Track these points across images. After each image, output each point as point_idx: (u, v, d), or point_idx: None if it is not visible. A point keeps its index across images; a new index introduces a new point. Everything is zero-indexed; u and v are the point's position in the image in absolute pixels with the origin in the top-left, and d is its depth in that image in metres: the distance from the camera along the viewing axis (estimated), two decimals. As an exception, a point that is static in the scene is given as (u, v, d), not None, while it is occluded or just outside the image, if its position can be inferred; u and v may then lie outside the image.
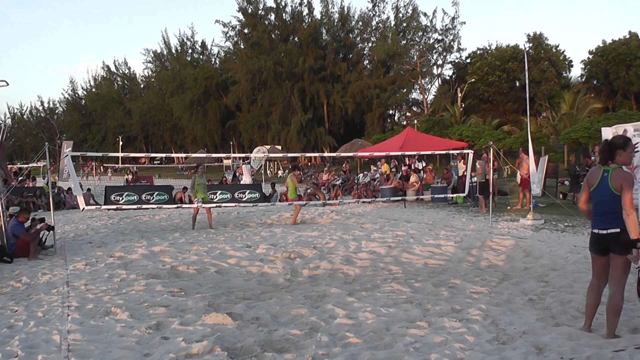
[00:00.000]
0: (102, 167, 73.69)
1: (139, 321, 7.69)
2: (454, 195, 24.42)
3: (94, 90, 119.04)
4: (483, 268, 11.30)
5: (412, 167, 30.40)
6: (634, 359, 6.00)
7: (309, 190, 29.12)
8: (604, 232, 6.54)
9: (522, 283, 9.68)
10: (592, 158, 24.21)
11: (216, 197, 26.64)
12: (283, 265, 11.71)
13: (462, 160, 26.94)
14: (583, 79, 67.58)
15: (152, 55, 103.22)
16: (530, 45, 65.80)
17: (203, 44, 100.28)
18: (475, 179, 21.68)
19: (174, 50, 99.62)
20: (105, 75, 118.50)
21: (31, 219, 14.77)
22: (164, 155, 28.83)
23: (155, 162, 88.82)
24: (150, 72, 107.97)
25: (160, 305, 8.48)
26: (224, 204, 24.47)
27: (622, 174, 6.48)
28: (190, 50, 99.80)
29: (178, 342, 6.62)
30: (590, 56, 65.04)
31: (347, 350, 6.44)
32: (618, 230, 6.42)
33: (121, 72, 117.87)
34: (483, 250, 13.13)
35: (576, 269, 10.62)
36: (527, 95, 19.56)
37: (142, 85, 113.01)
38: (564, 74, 68.94)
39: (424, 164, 34.11)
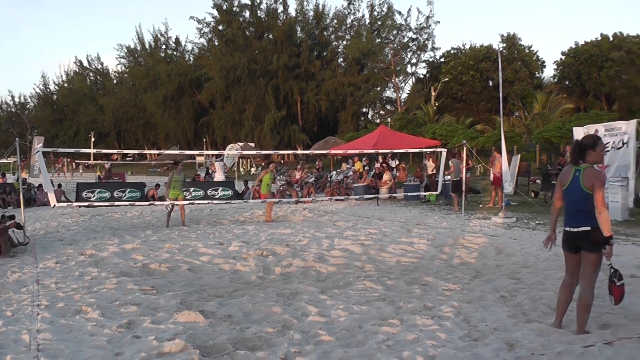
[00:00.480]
0: (74, 163, 72.99)
1: (110, 320, 7.60)
2: (427, 193, 24.51)
3: (66, 85, 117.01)
4: (455, 265, 11.35)
5: (386, 165, 30.46)
6: (603, 354, 6.07)
7: (281, 188, 29.09)
8: (576, 230, 6.64)
9: (494, 280, 9.75)
10: (565, 157, 24.45)
11: (189, 194, 26.51)
12: (256, 263, 11.66)
13: (431, 159, 27.11)
14: (555, 80, 68.24)
15: (126, 50, 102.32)
16: (504, 45, 66.24)
17: (177, 40, 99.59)
18: (449, 177, 21.79)
19: (147, 46, 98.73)
20: (77, 70, 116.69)
21: (1, 216, 14.58)
22: (136, 151, 28.61)
23: (127, 158, 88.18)
24: (123, 68, 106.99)
25: (131, 303, 8.40)
26: (196, 201, 24.33)
27: (594, 173, 6.59)
28: (164, 46, 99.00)
29: (149, 340, 6.55)
30: (563, 57, 65.69)
31: (320, 348, 6.43)
32: (589, 228, 6.52)
33: (94, 67, 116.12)
34: (455, 248, 13.19)
35: (547, 267, 10.71)
36: (501, 94, 19.68)
37: (115, 81, 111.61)
38: (537, 75, 69.52)
39: (397, 162, 34.20)
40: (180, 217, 19.12)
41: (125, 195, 26.27)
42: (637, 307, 7.89)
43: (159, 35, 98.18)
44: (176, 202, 18.61)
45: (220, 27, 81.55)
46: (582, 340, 6.50)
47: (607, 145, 20.39)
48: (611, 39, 62.39)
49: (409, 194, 25.39)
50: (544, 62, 70.28)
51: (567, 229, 6.75)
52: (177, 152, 23.37)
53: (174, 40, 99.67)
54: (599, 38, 63.03)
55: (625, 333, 6.76)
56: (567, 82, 66.39)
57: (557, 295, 7.20)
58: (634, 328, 6.98)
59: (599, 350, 6.16)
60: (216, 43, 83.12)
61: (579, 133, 22.15)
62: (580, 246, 6.68)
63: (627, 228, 15.28)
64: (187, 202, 21.19)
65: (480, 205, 21.94)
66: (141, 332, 7.04)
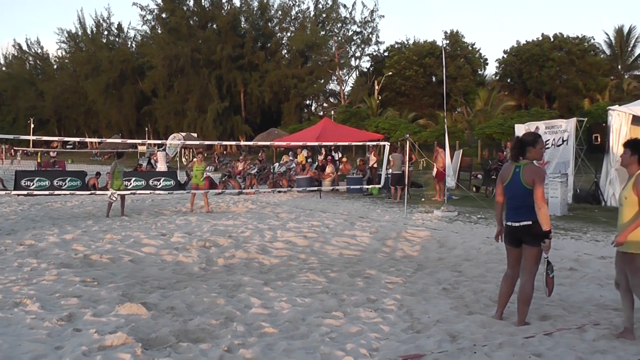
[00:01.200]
0: (12, 150, 71.19)
1: (50, 312, 7.36)
2: (370, 186, 24.63)
3: (4, 69, 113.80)
4: (398, 258, 11.41)
5: (330, 158, 30.51)
6: (543, 344, 6.19)
7: (223, 179, 28.90)
8: (517, 224, 6.76)
9: (436, 273, 9.83)
10: (505, 153, 24.84)
11: (130, 184, 26.11)
12: (198, 254, 11.53)
13: (373, 153, 27.27)
14: (497, 77, 69.46)
15: (67, 35, 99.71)
16: (447, 42, 67.03)
17: (119, 27, 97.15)
18: (391, 170, 21.95)
19: (89, 31, 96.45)
20: (16, 54, 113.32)
21: None
22: (77, 139, 28.00)
23: (68, 146, 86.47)
24: (64, 53, 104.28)
25: (72, 295, 8.16)
26: (138, 191, 24.01)
27: (534, 169, 6.73)
28: (106, 32, 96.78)
29: (91, 333, 6.38)
30: (505, 56, 66.87)
31: (263, 340, 6.38)
32: (530, 222, 6.64)
33: (33, 51, 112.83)
34: (398, 241, 13.27)
35: (489, 259, 10.86)
36: (445, 90, 19.89)
37: (55, 66, 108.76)
38: (480, 72, 70.62)
39: (340, 155, 34.29)
40: (119, 207, 18.81)
41: (65, 184, 25.72)
42: (576, 299, 8.08)
43: (101, 21, 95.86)
44: (119, 192, 18.32)
45: (163, 15, 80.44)
46: (522, 331, 6.61)
47: (547, 143, 20.81)
48: (552, 39, 63.68)
49: (351, 186, 25.49)
50: (486, 59, 71.48)
51: (509, 223, 6.85)
52: (118, 140, 22.89)
53: (116, 26, 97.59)
54: (540, 38, 64.33)
55: (564, 324, 6.93)
56: (508, 80, 67.63)
57: (498, 287, 7.30)
58: (572, 319, 7.15)
59: (539, 341, 6.29)
60: (159, 31, 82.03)
61: (520, 130, 22.54)
62: (521, 240, 6.78)
63: (566, 223, 15.60)
64: (128, 192, 20.89)
65: (423, 199, 22.13)
66: (82, 325, 6.84)
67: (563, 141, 20.34)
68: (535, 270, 6.79)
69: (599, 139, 18.97)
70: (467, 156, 29.08)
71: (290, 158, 36.08)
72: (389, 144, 21.29)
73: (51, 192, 23.02)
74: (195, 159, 21.08)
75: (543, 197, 6.57)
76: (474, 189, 24.09)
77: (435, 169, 21.95)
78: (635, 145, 6.44)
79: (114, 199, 18.34)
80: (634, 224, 6.23)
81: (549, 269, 6.83)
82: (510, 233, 6.90)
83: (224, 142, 43.27)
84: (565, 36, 63.59)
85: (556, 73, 62.13)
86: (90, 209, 20.58)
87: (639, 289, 6.35)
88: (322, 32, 77.59)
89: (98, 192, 21.77)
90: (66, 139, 36.20)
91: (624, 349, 6.10)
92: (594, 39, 64.78)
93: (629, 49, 63.54)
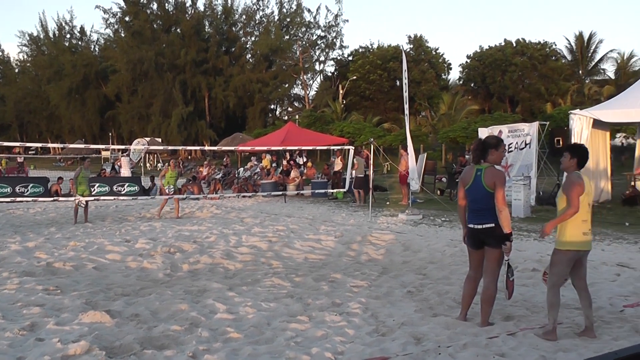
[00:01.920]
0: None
1: (12, 322, 7.23)
2: (334, 190, 24.66)
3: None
4: (363, 262, 11.44)
5: (294, 162, 30.50)
6: (506, 344, 6.28)
7: (185, 184, 28.74)
8: (480, 226, 6.85)
9: (401, 276, 9.87)
10: (467, 157, 25.05)
11: (94, 190, 25.80)
12: (163, 260, 11.46)
13: (340, 157, 27.33)
14: (461, 82, 70.03)
15: (28, 38, 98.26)
16: (411, 46, 67.43)
17: (82, 30, 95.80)
18: (354, 174, 22.00)
19: (51, 35, 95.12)
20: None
21: None
22: (39, 145, 27.50)
23: (30, 152, 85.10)
24: (25, 57, 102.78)
25: (34, 304, 8.02)
26: (102, 197, 23.75)
27: (495, 172, 6.82)
28: (68, 35, 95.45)
29: (54, 343, 6.28)
30: (468, 60, 67.50)
31: (228, 346, 6.37)
32: (492, 225, 6.75)
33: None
34: (363, 244, 13.30)
35: (453, 262, 10.94)
36: (407, 93, 19.96)
37: (16, 70, 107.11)
38: (443, 76, 71.15)
39: (305, 159, 34.27)
40: (82, 214, 18.59)
41: (27, 190, 25.32)
42: (538, 299, 8.16)
43: (63, 24, 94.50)
44: (83, 198, 18.12)
45: (127, 19, 79.65)
46: (486, 332, 6.70)
47: (510, 146, 21.02)
48: (514, 44, 64.43)
49: (316, 191, 25.50)
50: (450, 64, 72.13)
51: (471, 225, 6.95)
52: (82, 146, 22.61)
53: (79, 29, 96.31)
54: (503, 43, 65.05)
55: (527, 324, 7.03)
56: (472, 85, 68.28)
57: (462, 289, 7.35)
58: (535, 319, 7.25)
59: (502, 341, 6.38)
60: (123, 35, 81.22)
61: (483, 133, 22.70)
62: (484, 242, 6.88)
63: (529, 224, 15.75)
64: (92, 198, 20.66)
65: (388, 203, 22.21)
66: (45, 334, 6.74)
67: (526, 144, 20.54)
68: (497, 271, 6.88)
69: (561, 142, 19.22)
70: (432, 159, 29.23)
71: (255, 162, 36.00)
72: (352, 147, 21.31)
73: (13, 199, 22.65)
74: (168, 165, 20.85)
75: (504, 200, 6.69)
76: (438, 192, 24.21)
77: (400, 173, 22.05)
78: (574, 149, 6.74)
79: (82, 204, 18.15)
80: (558, 218, 6.64)
81: (509, 272, 6.97)
82: (472, 235, 6.98)
83: (189, 147, 43.11)
84: (527, 42, 64.38)
85: (519, 78, 62.88)
86: (53, 215, 20.35)
87: (551, 280, 6.67)
88: (287, 37, 77.58)
89: (61, 199, 21.49)
90: (28, 144, 35.59)
91: (586, 347, 6.21)
92: (555, 45, 65.76)
93: (590, 54, 64.52)
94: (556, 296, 6.61)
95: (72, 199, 18.22)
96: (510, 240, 6.67)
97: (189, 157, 70.52)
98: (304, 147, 26.66)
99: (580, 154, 6.69)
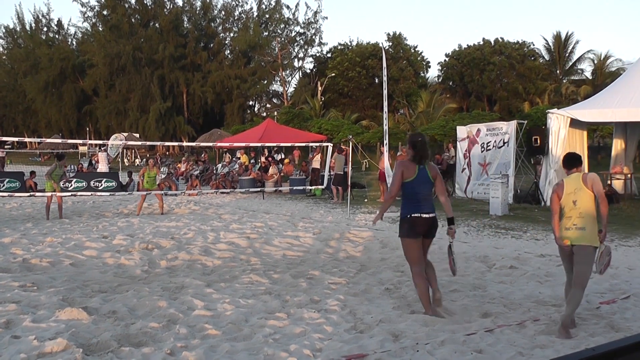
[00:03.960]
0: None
1: (-13, 320, 7.17)
2: (313, 187, 24.65)
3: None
4: (341, 259, 11.46)
5: (272, 158, 30.47)
6: (484, 340, 6.34)
7: (161, 180, 28.59)
8: (430, 215, 7.35)
9: (379, 273, 9.90)
10: (445, 155, 25.17)
11: (71, 185, 25.59)
12: (140, 257, 11.40)
13: (320, 154, 27.34)
14: (440, 80, 70.31)
15: (4, 30, 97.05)
16: (390, 44, 67.58)
17: (59, 23, 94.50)
18: (333, 171, 22.03)
19: (28, 27, 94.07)
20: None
21: None
22: (16, 139, 27.29)
23: (6, 146, 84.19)
24: (1, 49, 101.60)
25: (10, 301, 7.91)
26: (79, 193, 23.55)
27: (433, 165, 7.63)
28: (45, 29, 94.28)
29: (30, 340, 6.22)
30: (447, 59, 67.73)
31: (206, 342, 6.36)
32: (435, 214, 7.41)
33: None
34: (341, 241, 13.31)
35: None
36: (385, 90, 20.00)
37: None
38: (422, 74, 71.32)
39: (283, 156, 34.23)
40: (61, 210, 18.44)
41: (3, 185, 25.05)
42: (516, 296, 8.24)
43: (40, 16, 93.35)
44: (59, 194, 17.98)
45: (104, 12, 78.99)
46: (464, 329, 6.73)
47: (488, 145, 21.14)
48: (493, 44, 64.75)
49: (294, 187, 25.47)
50: (428, 62, 72.26)
51: (424, 215, 7.31)
52: (59, 140, 22.34)
53: (56, 22, 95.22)
54: (482, 42, 65.38)
55: (504, 320, 7.09)
56: (450, 83, 68.57)
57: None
58: (513, 316, 7.33)
59: (480, 338, 6.44)
60: (100, 29, 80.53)
61: (462, 132, 22.84)
62: (429, 231, 7.39)
63: (507, 222, 15.85)
64: (69, 193, 20.52)
65: (366, 200, 22.23)
66: (21, 331, 6.67)
67: (504, 143, 20.67)
68: None
69: (538, 141, 19.31)
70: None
71: (234, 159, 35.91)
72: (332, 144, 21.33)
73: (-12, 194, 22.43)
74: (146, 165, 20.70)
75: (445, 188, 7.62)
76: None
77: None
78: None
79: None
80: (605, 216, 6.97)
81: (451, 252, 7.65)
82: (424, 224, 7.31)
83: (167, 143, 42.82)
84: (505, 41, 64.75)
85: (497, 77, 63.24)
86: (29, 211, 20.16)
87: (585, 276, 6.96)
88: (265, 33, 77.38)
89: (38, 194, 21.30)
90: (4, 138, 35.13)
91: (562, 343, 6.27)
92: (533, 45, 66.10)
93: (567, 54, 64.97)
94: (565, 289, 7.26)
95: (49, 194, 18.06)
96: (454, 223, 7.46)
97: (167, 152, 70.22)
98: (282, 144, 26.57)
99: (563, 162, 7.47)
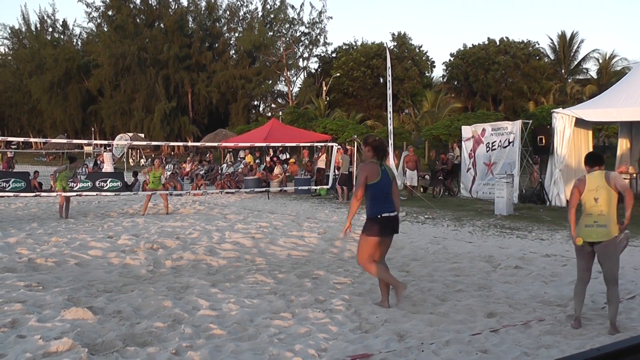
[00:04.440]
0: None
1: (-7, 319, 7.17)
2: (318, 187, 24.65)
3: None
4: (346, 259, 11.45)
5: (277, 158, 30.49)
6: (489, 340, 6.33)
7: (166, 180, 28.61)
8: (395, 214, 7.73)
9: (384, 273, 9.87)
10: (450, 155, 25.15)
11: (76, 185, 25.62)
12: (145, 256, 11.41)
13: (325, 154, 27.33)
14: (444, 80, 70.14)
15: (9, 31, 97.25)
16: (395, 44, 67.48)
17: (64, 23, 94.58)
18: (340, 170, 22.03)
19: (33, 28, 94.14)
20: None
21: None
22: (21, 139, 27.34)
23: (12, 146, 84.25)
24: (7, 50, 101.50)
25: (16, 301, 7.91)
26: (84, 193, 23.58)
27: (389, 167, 8.05)
28: (50, 29, 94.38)
29: (35, 340, 6.22)
30: (452, 58, 67.59)
31: (211, 342, 6.36)
32: (397, 213, 7.77)
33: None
34: (346, 241, 13.28)
35: (436, 259, 10.97)
36: (390, 90, 19.97)
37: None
38: (427, 74, 71.19)
39: (287, 156, 34.23)
40: (66, 209, 18.44)
41: (9, 185, 25.09)
42: (521, 296, 8.22)
43: (45, 17, 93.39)
44: (64, 194, 18.00)
45: (109, 13, 79.06)
46: (470, 329, 6.73)
47: (493, 144, 21.13)
48: (498, 43, 64.63)
49: (299, 187, 25.47)
50: (433, 62, 72.10)
51: (392, 214, 7.69)
52: (64, 140, 22.30)
53: (61, 23, 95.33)
54: (486, 42, 65.20)
55: (509, 320, 7.08)
56: (455, 83, 68.44)
57: (445, 286, 7.42)
58: (518, 316, 7.32)
59: (485, 338, 6.43)
60: (105, 29, 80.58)
61: (467, 131, 22.82)
62: (395, 229, 7.79)
63: (512, 222, 15.83)
64: (74, 193, 20.54)
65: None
66: (26, 331, 6.67)
67: (509, 143, 20.65)
68: None
69: (543, 141, 19.30)
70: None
71: (239, 158, 35.93)
72: (337, 145, 21.32)
73: (-6, 194, 22.48)
74: (152, 165, 20.72)
75: (398, 189, 8.08)
76: (422, 189, 24.28)
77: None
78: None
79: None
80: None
81: None
82: (393, 223, 7.72)
83: (171, 143, 42.90)
84: (510, 40, 64.60)
85: (502, 76, 63.12)
86: (35, 211, 20.19)
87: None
88: (270, 33, 77.36)
89: (43, 194, 21.34)
90: (10, 138, 35.11)
91: (567, 344, 6.26)
92: (538, 44, 65.92)
93: (572, 53, 64.83)
94: (576, 287, 7.18)
95: (54, 194, 18.08)
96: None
97: (172, 153, 70.29)
98: (287, 144, 26.58)
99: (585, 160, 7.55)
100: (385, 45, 58.59)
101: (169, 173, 28.30)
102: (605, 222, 6.89)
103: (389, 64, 19.88)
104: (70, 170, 18.42)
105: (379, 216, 7.58)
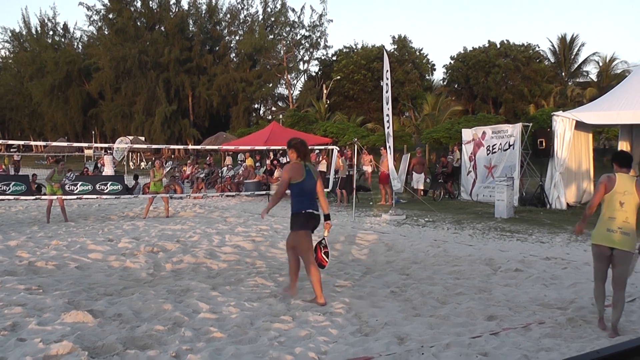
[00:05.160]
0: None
1: (-7, 322, 7.16)
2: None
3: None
4: (347, 262, 11.45)
5: (277, 162, 30.45)
6: (489, 343, 6.33)
7: (167, 183, 28.59)
8: (318, 212, 8.28)
9: (384, 276, 9.88)
10: (450, 157, 25.14)
11: (77, 188, 25.58)
12: (146, 260, 11.39)
13: (325, 158, 27.30)
14: (445, 83, 70.31)
15: (10, 34, 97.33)
16: (395, 47, 67.59)
17: (65, 27, 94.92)
18: (339, 174, 22.02)
19: (34, 31, 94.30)
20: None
21: None
22: (22, 142, 27.33)
23: (12, 150, 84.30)
24: (7, 53, 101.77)
25: (16, 304, 7.87)
26: (84, 196, 23.55)
27: (315, 168, 8.63)
28: (51, 32, 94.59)
29: (35, 343, 6.20)
30: (452, 61, 67.74)
31: (211, 345, 6.35)
32: (319, 211, 8.28)
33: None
34: (347, 244, 13.29)
35: (436, 262, 10.96)
36: (389, 93, 19.95)
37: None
38: (427, 77, 71.35)
39: (288, 159, 34.21)
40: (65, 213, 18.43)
41: (9, 189, 25.03)
42: (521, 299, 8.22)
43: (46, 20, 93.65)
44: (65, 197, 18.00)
45: (110, 16, 79.25)
46: (470, 332, 6.74)
47: (494, 147, 21.13)
48: (498, 46, 64.77)
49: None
50: (434, 65, 72.36)
51: (315, 212, 8.27)
52: (64, 144, 22.24)
53: (62, 26, 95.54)
54: (487, 45, 65.35)
55: (510, 323, 7.09)
56: (456, 86, 68.60)
57: (446, 289, 7.42)
58: (518, 318, 7.32)
59: (485, 341, 6.43)
60: (106, 32, 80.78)
61: (467, 134, 22.82)
62: (315, 227, 8.32)
63: (512, 225, 15.82)
64: (74, 196, 20.54)
65: (371, 203, 22.22)
66: (26, 334, 6.64)
67: (509, 146, 20.66)
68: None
69: (544, 144, 19.29)
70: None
71: (239, 161, 35.91)
72: (337, 148, 21.32)
73: (-6, 197, 22.44)
74: (153, 167, 20.69)
75: (323, 188, 8.62)
76: (422, 192, 24.26)
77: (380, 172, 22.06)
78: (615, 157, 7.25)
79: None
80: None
81: (323, 245, 8.56)
82: (314, 219, 8.24)
83: (172, 146, 42.91)
84: (511, 43, 64.79)
85: (502, 79, 63.28)
86: (35, 214, 20.21)
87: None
88: (271, 36, 77.55)
89: (44, 197, 21.31)
90: (10, 142, 35.10)
91: (567, 346, 6.27)
92: (539, 47, 66.21)
93: (572, 56, 65.01)
94: (595, 289, 7.12)
95: (53, 197, 18.07)
96: (330, 219, 8.42)
97: (172, 156, 70.38)
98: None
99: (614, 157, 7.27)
100: (383, 47, 58.79)
101: (167, 169, 28.21)
102: (629, 231, 6.78)
103: (385, 63, 19.80)
104: (59, 173, 18.37)
105: (302, 212, 8.16)
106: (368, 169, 29.83)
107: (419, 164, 23.18)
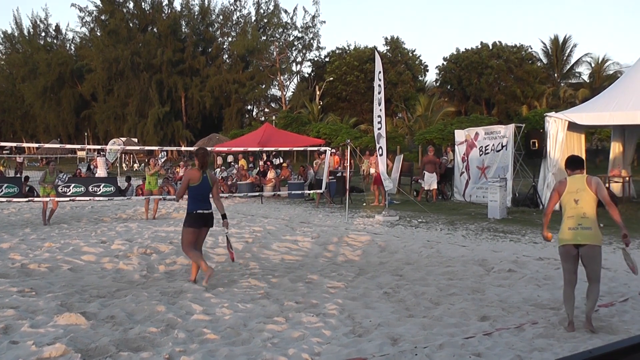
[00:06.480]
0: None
1: (-15, 325, 7.12)
2: (311, 191, 24.61)
3: None
4: (340, 263, 11.45)
5: (270, 163, 30.46)
6: (482, 344, 6.34)
7: (160, 185, 28.50)
8: (209, 211, 9.56)
9: (377, 277, 9.89)
10: (443, 158, 25.15)
11: (69, 190, 25.47)
12: (139, 261, 11.38)
13: (321, 159, 27.27)
14: (438, 84, 70.39)
15: (2, 35, 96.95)
16: (388, 48, 67.62)
17: (57, 28, 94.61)
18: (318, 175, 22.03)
19: (26, 32, 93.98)
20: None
21: None
22: (14, 144, 27.29)
23: (4, 152, 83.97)
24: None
25: (8, 306, 7.85)
26: (77, 198, 23.46)
27: (212, 174, 9.87)
28: (43, 34, 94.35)
29: (28, 346, 6.19)
30: (445, 63, 67.79)
31: (205, 347, 6.35)
32: (212, 210, 9.63)
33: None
34: (340, 245, 13.30)
35: (429, 263, 10.97)
36: (381, 95, 19.95)
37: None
38: (420, 78, 71.41)
39: (281, 160, 34.20)
40: (58, 214, 18.36)
41: (2, 191, 24.96)
42: (514, 299, 8.24)
43: (38, 22, 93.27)
44: (57, 199, 17.93)
45: (103, 17, 79.08)
46: (463, 332, 6.75)
47: (487, 148, 21.16)
48: (491, 47, 64.86)
49: (292, 192, 25.44)
50: (426, 66, 72.42)
51: (205, 211, 9.51)
52: (57, 145, 22.22)
53: (54, 27, 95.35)
54: (480, 46, 65.43)
55: (503, 324, 7.10)
56: (448, 87, 68.69)
57: (439, 290, 7.43)
58: (511, 319, 7.33)
59: (478, 341, 6.45)
60: (98, 33, 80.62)
61: (460, 135, 22.84)
62: (207, 223, 9.56)
63: (505, 226, 15.83)
64: (67, 198, 20.48)
65: (364, 204, 22.23)
66: (19, 337, 6.62)
67: (502, 147, 20.68)
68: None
69: (536, 145, 19.32)
70: (408, 161, 29.27)
71: (232, 163, 35.88)
72: (330, 149, 21.32)
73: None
74: (148, 166, 20.64)
75: (219, 192, 10.15)
76: (415, 193, 24.26)
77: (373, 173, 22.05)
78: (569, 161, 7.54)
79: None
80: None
81: (229, 243, 10.10)
82: (205, 218, 9.52)
83: (165, 148, 42.73)
84: (503, 45, 64.89)
85: (495, 80, 63.36)
86: (28, 216, 20.17)
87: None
88: (263, 37, 77.56)
89: (36, 199, 21.25)
90: (2, 143, 34.90)
91: (560, 346, 6.28)
92: (531, 48, 66.32)
93: (565, 57, 65.16)
94: (564, 293, 7.18)
95: (46, 199, 18.01)
96: (227, 218, 9.87)
97: (165, 157, 70.18)
98: (280, 148, 26.56)
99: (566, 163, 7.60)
100: (374, 48, 58.85)
101: (163, 160, 28.07)
102: (590, 225, 7.00)
103: (380, 69, 19.82)
104: (51, 174, 18.31)
105: (194, 212, 9.40)
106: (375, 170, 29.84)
107: (431, 162, 22.56)
